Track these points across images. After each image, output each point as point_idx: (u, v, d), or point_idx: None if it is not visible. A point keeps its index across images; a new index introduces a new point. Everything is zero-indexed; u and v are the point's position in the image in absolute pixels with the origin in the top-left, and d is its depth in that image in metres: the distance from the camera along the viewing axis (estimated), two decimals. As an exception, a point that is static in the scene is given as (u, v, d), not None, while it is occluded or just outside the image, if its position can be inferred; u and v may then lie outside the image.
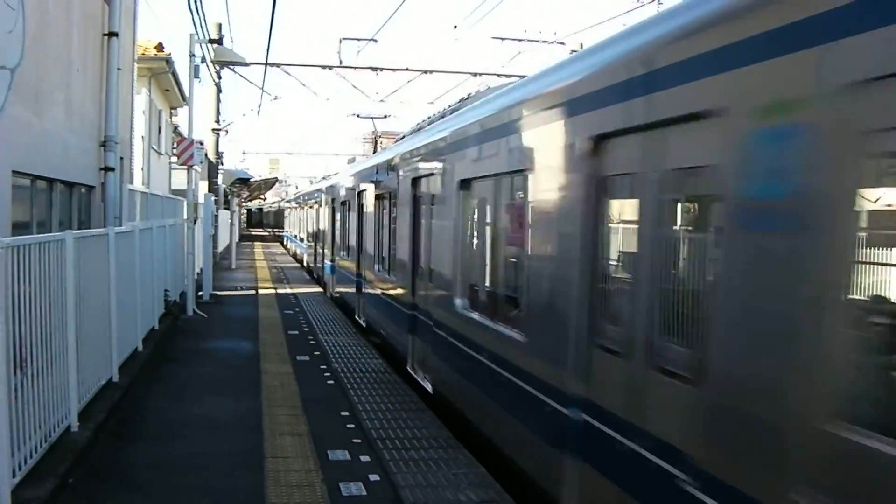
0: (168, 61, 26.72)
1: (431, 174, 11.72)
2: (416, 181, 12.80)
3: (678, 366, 5.20)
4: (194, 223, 20.92)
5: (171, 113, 35.08)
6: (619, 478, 5.73)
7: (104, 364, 10.73)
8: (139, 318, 13.66)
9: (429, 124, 13.76)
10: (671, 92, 5.13)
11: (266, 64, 29.06)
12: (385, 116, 46.15)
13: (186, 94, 24.33)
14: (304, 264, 37.27)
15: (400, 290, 13.89)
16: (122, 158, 15.12)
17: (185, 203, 21.19)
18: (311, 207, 34.61)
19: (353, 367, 13.91)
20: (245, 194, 65.00)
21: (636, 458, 5.49)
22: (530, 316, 7.37)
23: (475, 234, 10.00)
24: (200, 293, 22.77)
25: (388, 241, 15.54)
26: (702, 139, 4.89)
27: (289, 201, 63.35)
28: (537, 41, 36.05)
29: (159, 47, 26.78)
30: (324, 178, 37.80)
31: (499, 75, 36.87)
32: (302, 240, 40.37)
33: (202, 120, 35.23)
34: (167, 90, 30.35)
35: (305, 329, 18.05)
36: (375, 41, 31.60)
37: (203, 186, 33.60)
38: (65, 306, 8.66)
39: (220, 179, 38.08)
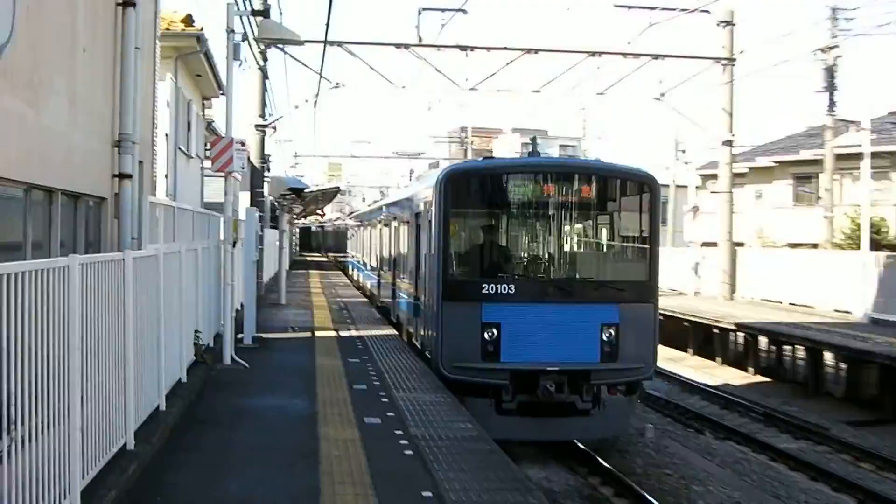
0: (200, 39, 27.02)
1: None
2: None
3: (420, 278, 22.72)
4: (234, 246, 21.05)
5: (203, 105, 35.46)
6: (421, 318, 22.06)
7: (116, 427, 10.73)
8: (163, 367, 13.69)
9: None
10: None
11: (325, 42, 29.24)
12: (419, 154, 46.97)
13: (223, 80, 24.55)
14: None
15: None
16: (140, 162, 15.23)
17: (222, 220, 21.34)
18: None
19: (437, 433, 13.75)
20: (298, 209, 65.53)
21: (421, 308, 22.12)
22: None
23: None
24: (241, 336, 22.88)
25: None
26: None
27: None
28: (674, 10, 35.77)
29: (188, 21, 27.11)
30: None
31: (625, 55, 36.58)
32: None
33: (243, 114, 35.53)
34: (198, 76, 30.69)
35: (376, 383, 17.96)
36: (464, 12, 31.60)
37: (244, 199, 33.94)
38: (67, 352, 8.65)
39: (265, 190, 38.45)
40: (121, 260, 10.85)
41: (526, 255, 20.47)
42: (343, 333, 26.22)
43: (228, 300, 20.69)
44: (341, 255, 77.03)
